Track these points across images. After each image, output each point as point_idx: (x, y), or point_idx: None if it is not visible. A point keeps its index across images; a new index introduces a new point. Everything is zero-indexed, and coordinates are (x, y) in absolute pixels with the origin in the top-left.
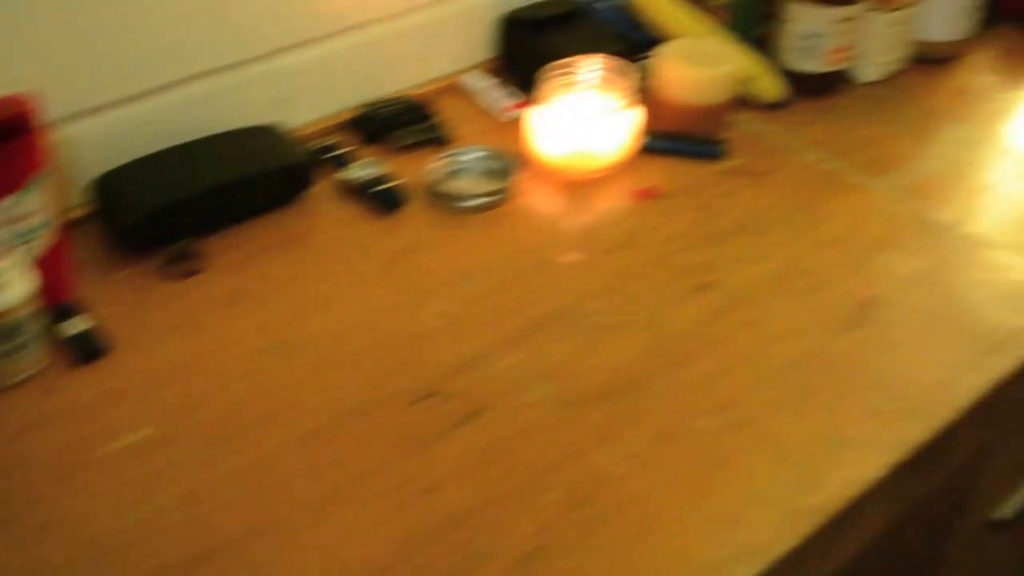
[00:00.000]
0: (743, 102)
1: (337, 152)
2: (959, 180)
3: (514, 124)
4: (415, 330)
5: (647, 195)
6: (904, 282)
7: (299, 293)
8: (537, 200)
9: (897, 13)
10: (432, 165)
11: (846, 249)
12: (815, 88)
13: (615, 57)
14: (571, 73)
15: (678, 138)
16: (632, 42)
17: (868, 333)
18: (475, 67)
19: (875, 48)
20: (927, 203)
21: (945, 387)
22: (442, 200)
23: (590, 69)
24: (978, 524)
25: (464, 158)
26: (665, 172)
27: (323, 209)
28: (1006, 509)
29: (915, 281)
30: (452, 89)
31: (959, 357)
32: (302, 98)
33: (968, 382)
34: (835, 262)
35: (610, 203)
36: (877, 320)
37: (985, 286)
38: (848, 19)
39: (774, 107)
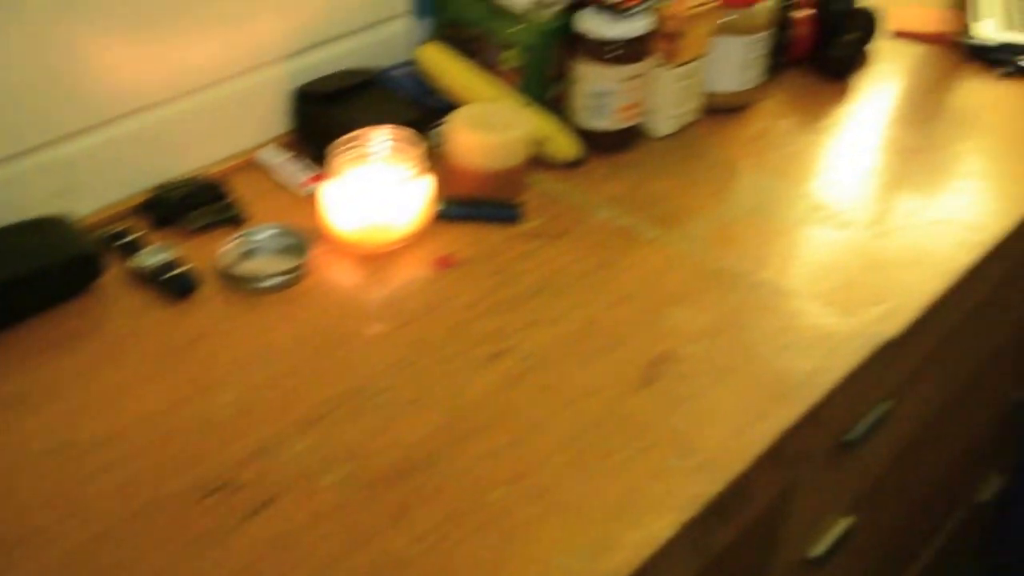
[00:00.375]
0: (539, 163)
1: (127, 239)
2: (753, 228)
3: (313, 199)
4: (206, 420)
5: (445, 263)
6: (697, 335)
7: (87, 389)
8: (334, 275)
9: (684, 68)
10: (225, 247)
11: (641, 305)
12: (609, 145)
13: (404, 126)
14: (360, 145)
15: (475, 204)
16: (427, 109)
17: (661, 389)
18: (271, 142)
19: (665, 103)
20: (721, 253)
21: (736, 438)
22: (236, 282)
23: (379, 140)
24: (795, 563)
25: (257, 237)
26: (463, 238)
27: (113, 299)
28: (820, 547)
29: (709, 333)
30: (248, 166)
31: (751, 407)
32: (89, 185)
33: (759, 431)
34: (629, 319)
35: (408, 274)
36: (670, 376)
37: (778, 333)
38: (635, 76)
39: (570, 166)
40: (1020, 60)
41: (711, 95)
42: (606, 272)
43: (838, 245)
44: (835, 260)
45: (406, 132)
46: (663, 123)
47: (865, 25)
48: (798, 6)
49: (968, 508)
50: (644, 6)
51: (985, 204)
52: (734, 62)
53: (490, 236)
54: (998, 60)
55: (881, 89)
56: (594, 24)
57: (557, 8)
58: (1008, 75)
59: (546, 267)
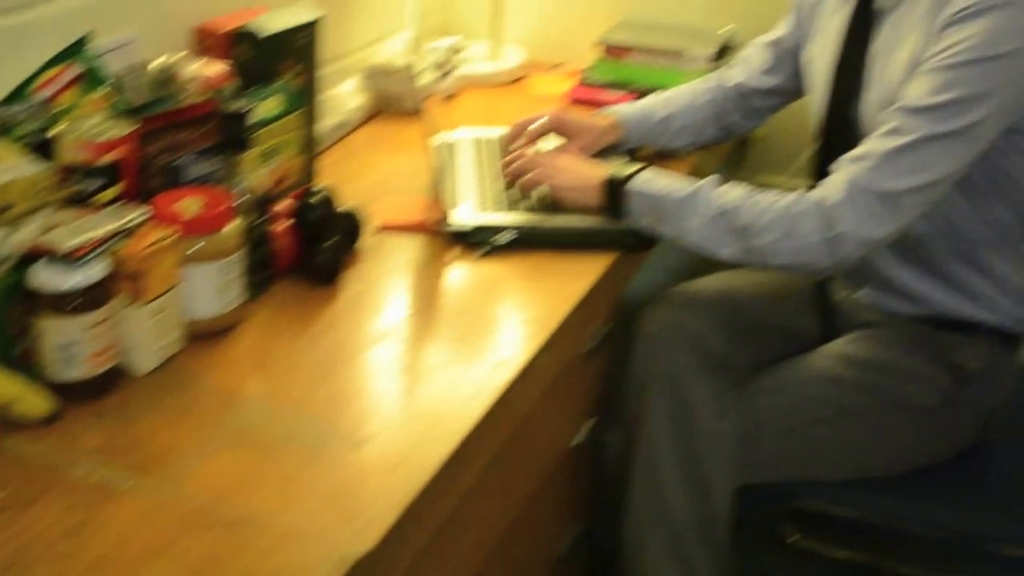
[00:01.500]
0: (10, 426)
1: None
2: (237, 457)
3: None
4: None
5: None
6: None
7: None
8: None
9: (155, 303)
10: None
11: (114, 569)
12: (87, 393)
13: None
14: None
15: None
16: None
17: None
18: None
19: (142, 340)
20: (200, 492)
21: None
22: None
23: None
24: None
25: None
26: None
27: None
28: None
29: None
30: None
31: None
32: None
33: None
34: None
35: None
36: None
37: (253, 573)
38: (102, 321)
39: (46, 423)
40: (495, 240)
41: (192, 322)
42: (79, 536)
43: (322, 462)
44: (317, 479)
45: None
46: (143, 360)
47: (347, 227)
48: (275, 219)
49: None
50: (98, 251)
51: (465, 388)
52: (210, 287)
53: None
54: (476, 242)
55: (370, 285)
56: (48, 277)
57: (7, 265)
58: (486, 255)
59: (12, 543)
